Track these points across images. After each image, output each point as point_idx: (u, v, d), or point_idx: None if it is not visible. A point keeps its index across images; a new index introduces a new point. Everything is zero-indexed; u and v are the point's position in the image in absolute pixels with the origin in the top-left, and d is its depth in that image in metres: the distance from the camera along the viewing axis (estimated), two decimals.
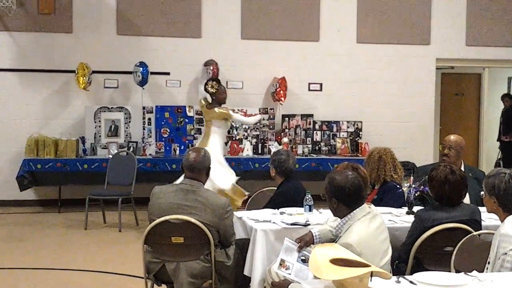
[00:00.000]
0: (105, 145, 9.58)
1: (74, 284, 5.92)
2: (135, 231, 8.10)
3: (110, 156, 9.05)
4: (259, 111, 10.10)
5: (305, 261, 3.80)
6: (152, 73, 9.75)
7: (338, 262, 2.90)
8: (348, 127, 10.46)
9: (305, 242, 3.96)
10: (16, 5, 9.23)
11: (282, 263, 3.89)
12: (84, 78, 9.40)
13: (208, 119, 7.96)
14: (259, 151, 10.10)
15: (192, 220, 4.31)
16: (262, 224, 4.58)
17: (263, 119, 10.06)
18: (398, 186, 5.35)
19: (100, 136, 9.68)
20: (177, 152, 9.84)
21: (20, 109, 9.68)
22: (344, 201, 3.74)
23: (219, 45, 10.20)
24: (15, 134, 9.57)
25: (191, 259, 4.37)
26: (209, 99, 8.02)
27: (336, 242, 3.58)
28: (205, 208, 4.38)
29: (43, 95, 9.77)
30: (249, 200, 5.91)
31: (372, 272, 2.85)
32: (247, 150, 9.90)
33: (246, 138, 10.08)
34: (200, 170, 4.48)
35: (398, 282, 3.13)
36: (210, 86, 7.96)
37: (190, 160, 4.48)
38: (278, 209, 5.06)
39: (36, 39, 9.74)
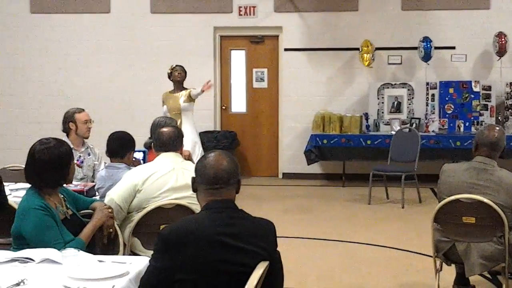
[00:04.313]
0: (388, 121, 9.65)
1: (359, 257, 6.06)
2: (418, 208, 8.04)
3: (393, 133, 9.09)
4: None
5: None
6: (437, 48, 9.53)
7: None
8: None
9: None
10: None
11: None
12: (368, 55, 9.54)
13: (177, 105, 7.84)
14: None
15: (485, 200, 4.13)
16: None
17: None
18: None
19: (383, 112, 9.76)
20: (461, 129, 9.52)
21: (308, 86, 10.16)
22: None
23: (510, 16, 9.59)
24: (304, 110, 10.09)
25: (483, 240, 4.20)
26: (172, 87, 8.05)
27: None
28: (499, 188, 4.17)
29: (329, 72, 10.12)
30: None
31: None
32: None
33: None
34: (499, 148, 4.29)
35: None
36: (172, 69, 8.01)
37: (490, 137, 4.28)
38: None
39: (323, 18, 10.10)
